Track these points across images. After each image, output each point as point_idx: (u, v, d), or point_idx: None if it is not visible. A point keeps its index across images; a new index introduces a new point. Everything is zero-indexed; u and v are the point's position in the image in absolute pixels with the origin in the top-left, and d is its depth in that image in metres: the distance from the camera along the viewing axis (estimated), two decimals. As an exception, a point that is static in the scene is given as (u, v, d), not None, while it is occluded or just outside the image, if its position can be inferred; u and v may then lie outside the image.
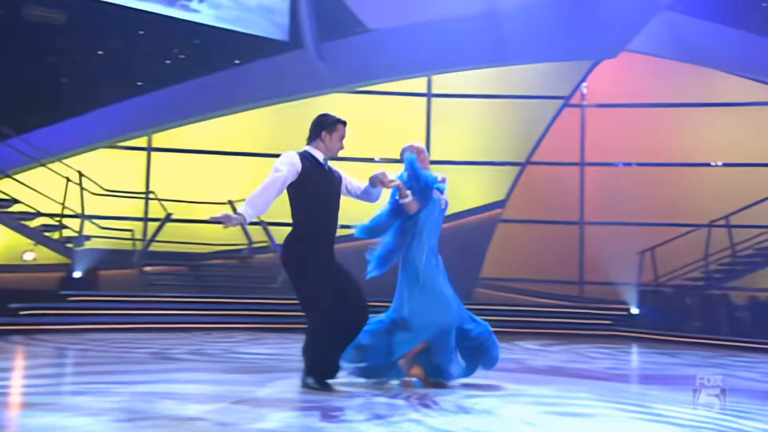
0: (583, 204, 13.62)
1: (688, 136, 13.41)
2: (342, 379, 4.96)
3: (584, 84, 13.45)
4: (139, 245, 11.09)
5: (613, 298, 12.34)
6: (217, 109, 12.13)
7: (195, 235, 11.17)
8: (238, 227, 11.45)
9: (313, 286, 4.66)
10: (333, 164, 5.06)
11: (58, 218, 10.72)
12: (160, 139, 12.46)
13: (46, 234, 10.48)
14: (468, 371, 5.19)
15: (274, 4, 12.64)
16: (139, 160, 12.43)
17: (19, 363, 6.59)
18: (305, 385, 4.79)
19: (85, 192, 10.76)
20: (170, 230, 11.15)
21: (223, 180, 12.16)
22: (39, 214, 10.54)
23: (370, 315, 4.94)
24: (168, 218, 10.94)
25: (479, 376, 5.26)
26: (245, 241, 11.29)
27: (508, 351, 5.94)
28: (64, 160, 11.13)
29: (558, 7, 11.75)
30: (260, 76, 12.06)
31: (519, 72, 12.61)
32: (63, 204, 10.64)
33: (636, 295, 12.35)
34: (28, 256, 10.68)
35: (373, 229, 5.15)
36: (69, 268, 10.37)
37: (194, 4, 12.20)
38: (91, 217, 10.71)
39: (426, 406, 4.34)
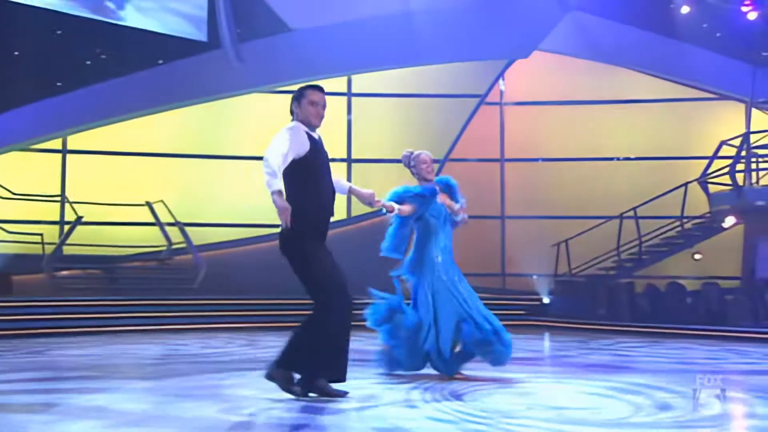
0: (503, 199, 14.04)
1: (601, 132, 13.98)
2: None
3: (502, 82, 13.88)
4: (50, 249, 10.94)
5: (532, 290, 12.79)
6: (136, 110, 12.03)
7: (113, 238, 11.12)
8: (156, 228, 11.50)
9: (324, 272, 4.30)
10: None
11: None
12: (76, 141, 12.31)
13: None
14: (456, 364, 5.32)
15: (195, 5, 12.65)
16: (54, 163, 12.26)
17: None
18: (298, 393, 4.35)
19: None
20: (87, 233, 11.03)
21: (141, 181, 12.12)
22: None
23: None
24: (78, 221, 10.82)
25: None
26: (163, 243, 11.28)
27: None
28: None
29: (471, 8, 12.09)
30: (179, 77, 12.03)
31: (436, 71, 12.93)
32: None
33: (552, 285, 12.84)
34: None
35: (393, 245, 5.39)
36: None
37: (118, 11, 12.10)
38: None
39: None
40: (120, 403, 4.29)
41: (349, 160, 13.49)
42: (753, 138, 11.71)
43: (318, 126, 4.50)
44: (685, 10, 12.97)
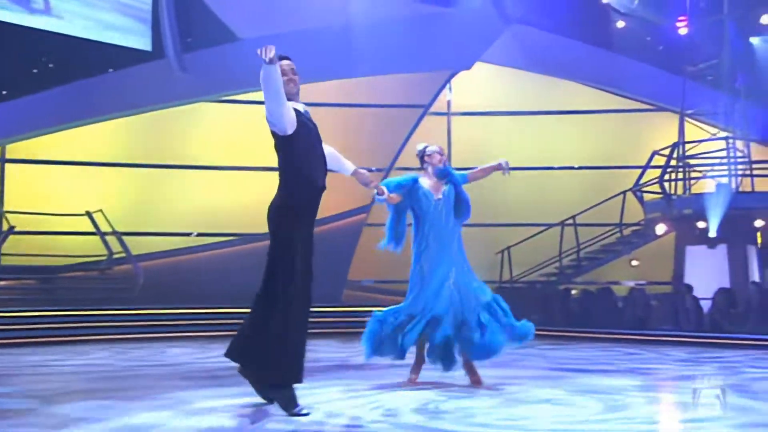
0: (449, 207, 14.26)
1: (544, 142, 14.35)
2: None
3: (449, 92, 14.16)
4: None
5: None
6: (79, 119, 11.97)
7: (53, 247, 11.06)
8: (96, 237, 11.45)
9: (292, 261, 4.12)
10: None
11: None
12: (15, 150, 12.18)
13: None
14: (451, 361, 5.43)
15: (141, 14, 12.69)
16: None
17: None
18: (270, 400, 4.28)
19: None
20: (24, 243, 10.97)
21: (82, 191, 12.05)
22: None
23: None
24: (11, 231, 10.75)
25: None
26: (103, 252, 11.27)
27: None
28: None
29: (412, 20, 12.34)
30: (124, 86, 12.02)
31: (382, 81, 13.12)
32: None
33: (496, 292, 13.07)
34: None
35: (393, 237, 5.70)
36: None
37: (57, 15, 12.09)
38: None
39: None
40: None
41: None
42: (686, 148, 12.15)
43: (294, 91, 4.43)
44: (620, 24, 13.42)
